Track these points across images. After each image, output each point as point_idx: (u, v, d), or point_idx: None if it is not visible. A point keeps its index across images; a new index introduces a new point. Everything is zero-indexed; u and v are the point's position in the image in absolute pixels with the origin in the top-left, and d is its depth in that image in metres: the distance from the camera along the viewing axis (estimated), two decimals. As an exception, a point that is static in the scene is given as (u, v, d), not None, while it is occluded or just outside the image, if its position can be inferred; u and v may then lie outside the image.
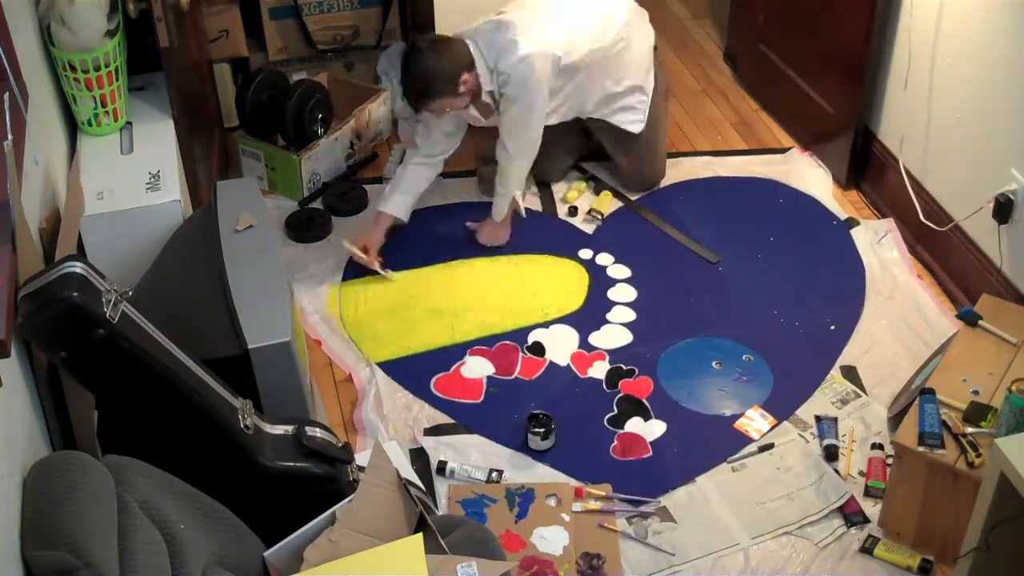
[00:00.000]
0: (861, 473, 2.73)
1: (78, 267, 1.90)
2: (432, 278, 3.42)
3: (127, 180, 2.70)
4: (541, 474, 2.78)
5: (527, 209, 3.71)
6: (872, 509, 2.64)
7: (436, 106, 3.24)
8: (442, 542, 1.96)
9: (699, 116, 4.24)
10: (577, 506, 2.66)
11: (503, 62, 3.16)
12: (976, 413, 2.48)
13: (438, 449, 2.83)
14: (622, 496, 2.68)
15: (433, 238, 3.57)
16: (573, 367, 3.09)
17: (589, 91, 3.46)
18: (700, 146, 4.06)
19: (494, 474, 2.75)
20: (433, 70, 3.14)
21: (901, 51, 3.42)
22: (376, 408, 2.95)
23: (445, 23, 3.90)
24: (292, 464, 2.11)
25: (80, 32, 2.70)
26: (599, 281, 3.40)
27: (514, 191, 3.42)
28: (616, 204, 3.73)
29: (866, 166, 3.73)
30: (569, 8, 3.35)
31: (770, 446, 2.82)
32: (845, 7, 3.56)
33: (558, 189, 3.80)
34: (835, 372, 3.03)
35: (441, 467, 2.76)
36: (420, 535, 1.95)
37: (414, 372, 3.08)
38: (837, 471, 2.73)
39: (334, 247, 3.54)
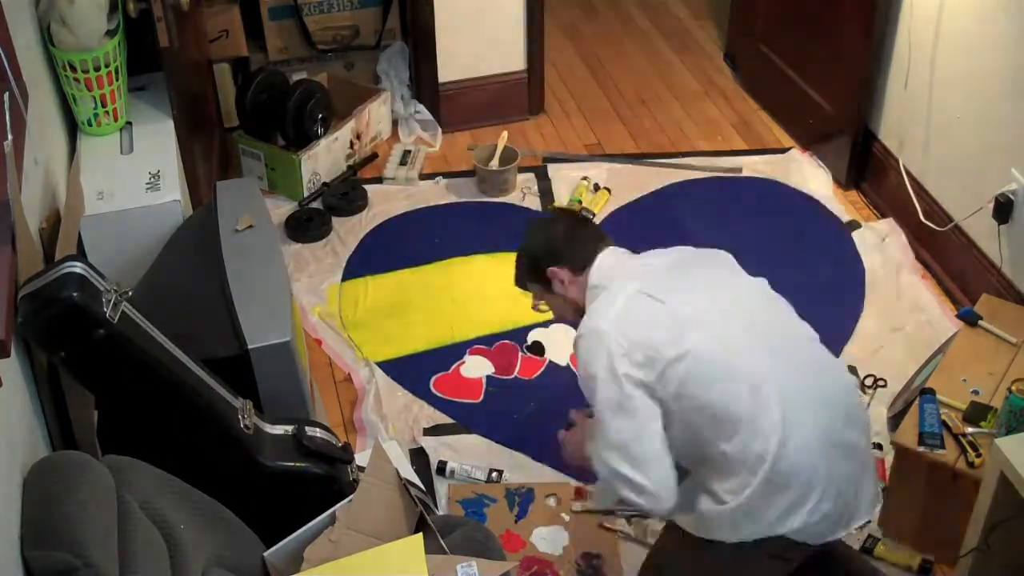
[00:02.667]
0: (861, 473, 2.73)
1: (78, 267, 1.90)
2: (432, 277, 3.42)
3: (127, 180, 2.70)
4: (541, 474, 2.78)
5: (527, 209, 3.72)
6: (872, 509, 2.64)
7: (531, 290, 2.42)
8: (442, 542, 1.96)
9: (699, 116, 4.24)
10: (577, 505, 2.66)
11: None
12: (976, 413, 2.48)
13: (438, 449, 2.83)
14: None
15: (433, 237, 3.57)
16: (573, 367, 3.09)
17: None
18: (700, 146, 4.06)
19: (494, 474, 2.75)
20: (527, 241, 2.39)
21: (901, 51, 3.42)
22: (376, 408, 2.95)
23: (445, 23, 3.91)
24: (292, 464, 2.11)
25: (80, 32, 2.70)
26: (599, 281, 3.40)
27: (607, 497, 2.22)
28: (611, 205, 3.72)
29: (866, 166, 3.73)
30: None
31: (770, 446, 2.81)
32: (845, 7, 3.56)
33: (560, 190, 3.80)
34: (835, 372, 3.03)
35: (441, 467, 2.76)
36: (420, 535, 1.95)
37: (414, 372, 3.08)
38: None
39: (333, 247, 3.54)
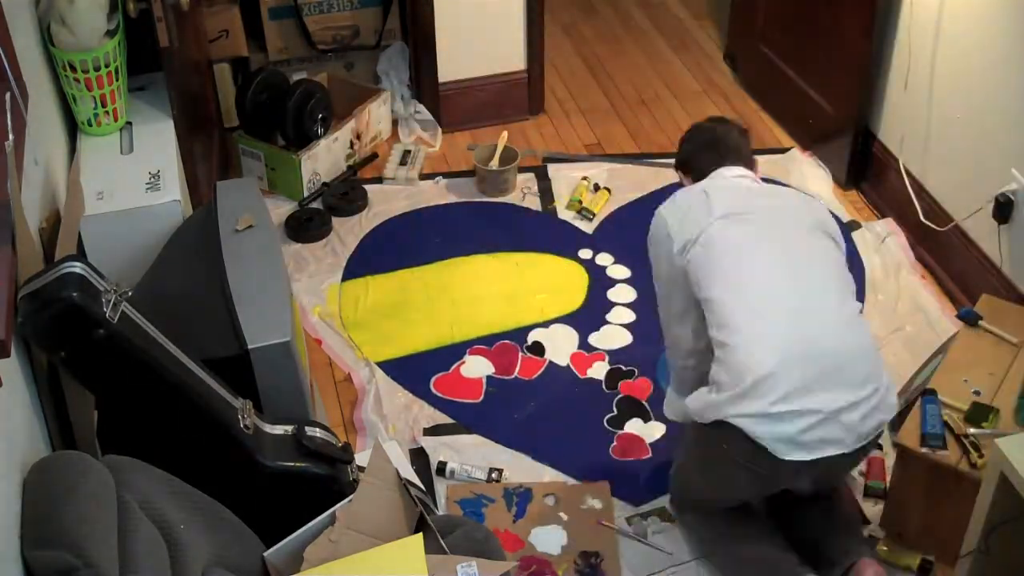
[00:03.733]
0: (861, 473, 2.73)
1: (78, 267, 1.90)
2: (432, 277, 3.42)
3: (127, 180, 2.70)
4: (541, 474, 2.78)
5: (527, 209, 3.72)
6: (872, 509, 2.64)
7: None
8: (442, 542, 1.96)
9: (699, 116, 4.20)
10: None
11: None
12: (978, 414, 2.48)
13: (438, 449, 2.83)
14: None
15: (433, 237, 3.57)
16: (573, 367, 3.09)
17: None
18: (700, 146, 4.05)
19: (494, 473, 2.75)
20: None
21: (901, 51, 3.42)
22: (376, 408, 2.95)
23: (445, 23, 3.91)
24: (292, 464, 2.11)
25: (80, 32, 2.70)
26: (599, 281, 3.40)
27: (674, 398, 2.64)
28: (611, 205, 3.72)
29: (866, 166, 3.73)
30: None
31: (770, 446, 2.81)
32: (845, 7, 3.56)
33: (560, 190, 3.80)
34: (835, 372, 3.03)
35: (441, 467, 2.76)
36: (420, 535, 1.95)
37: (414, 372, 3.08)
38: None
39: (333, 247, 3.54)
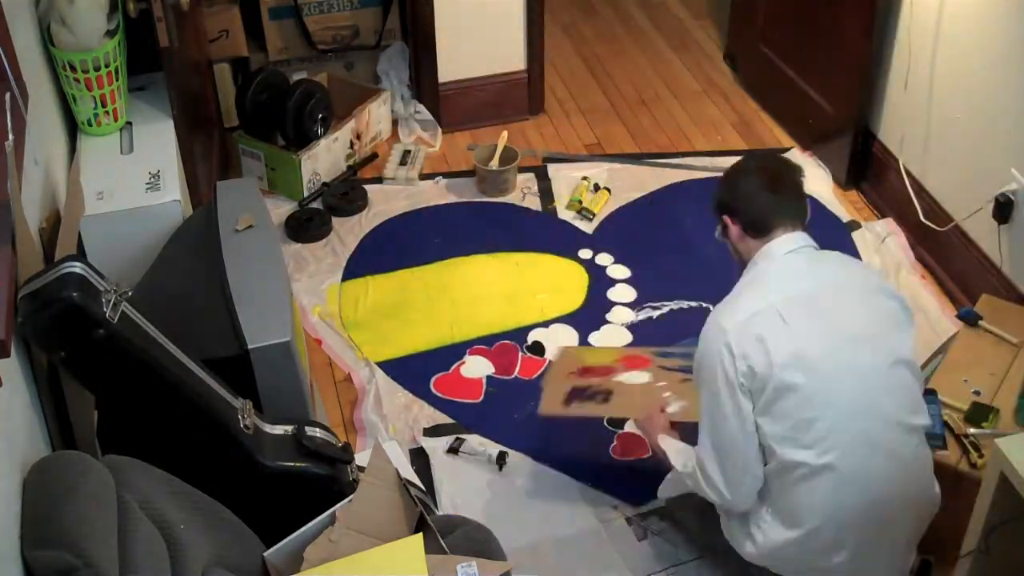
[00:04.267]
0: (861, 473, 2.72)
1: (78, 267, 1.90)
2: (432, 277, 3.42)
3: (127, 180, 2.70)
4: (542, 474, 2.77)
5: (527, 209, 3.72)
6: (872, 509, 2.64)
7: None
8: (442, 542, 1.96)
9: (699, 116, 4.24)
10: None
11: None
12: (978, 413, 2.48)
13: (437, 450, 2.83)
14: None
15: (433, 237, 3.57)
16: (573, 367, 3.09)
17: None
18: (700, 146, 4.06)
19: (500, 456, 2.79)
20: (727, 178, 2.36)
21: (901, 51, 3.42)
22: (376, 408, 2.95)
23: (445, 23, 3.91)
24: (292, 464, 2.11)
25: (80, 32, 2.70)
26: (599, 281, 3.40)
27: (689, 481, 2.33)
28: (611, 205, 3.72)
29: (866, 166, 3.73)
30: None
31: (770, 446, 2.81)
32: (845, 7, 3.56)
33: (560, 190, 3.80)
34: (835, 372, 3.03)
35: (454, 448, 2.82)
36: (420, 535, 1.95)
37: (414, 372, 3.08)
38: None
39: (333, 247, 3.54)
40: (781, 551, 2.19)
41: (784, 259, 2.18)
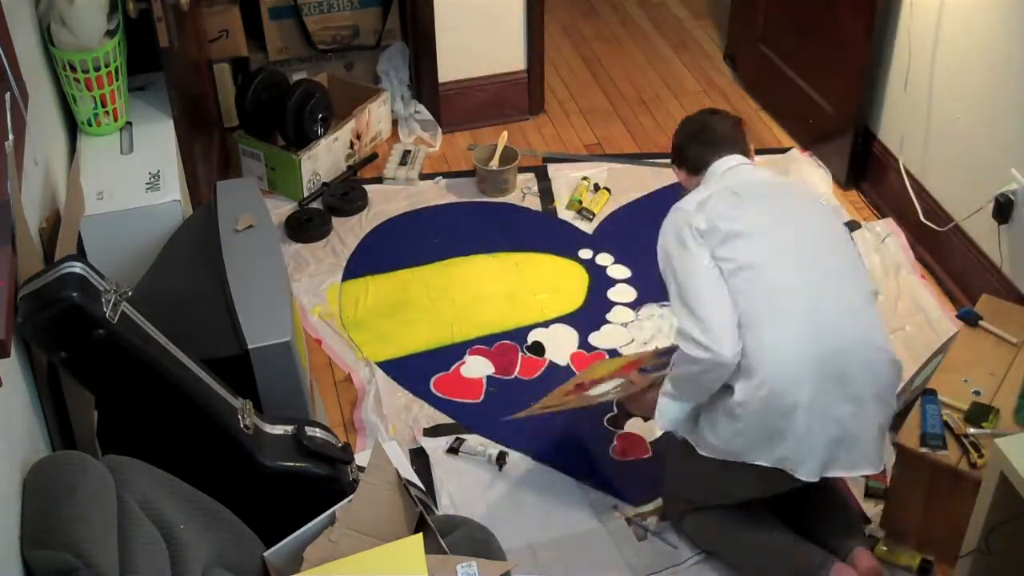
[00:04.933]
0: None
1: (78, 267, 1.90)
2: (432, 277, 3.42)
3: (127, 180, 2.70)
4: (541, 474, 2.77)
5: (527, 209, 3.72)
6: (873, 509, 2.64)
7: None
8: (442, 542, 1.96)
9: (699, 116, 4.23)
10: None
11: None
12: (978, 413, 2.48)
13: (437, 450, 2.83)
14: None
15: (433, 237, 3.57)
16: (573, 367, 3.09)
17: None
18: (700, 146, 4.06)
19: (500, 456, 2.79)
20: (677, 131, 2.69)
21: (901, 51, 3.42)
22: (376, 408, 2.95)
23: (445, 23, 3.91)
24: (292, 464, 2.11)
25: (80, 32, 2.70)
26: (599, 281, 3.40)
27: (670, 395, 2.45)
28: (611, 205, 3.72)
29: (866, 166, 3.73)
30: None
31: (770, 446, 2.81)
32: (845, 7, 3.56)
33: (560, 190, 3.80)
34: (835, 372, 3.03)
35: (454, 448, 2.82)
36: (420, 535, 1.95)
37: (414, 372, 3.08)
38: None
39: (333, 247, 3.54)
40: (742, 422, 2.26)
41: (726, 171, 2.51)
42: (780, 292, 2.29)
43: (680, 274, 2.37)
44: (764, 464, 2.29)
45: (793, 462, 2.27)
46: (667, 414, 2.43)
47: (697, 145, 2.58)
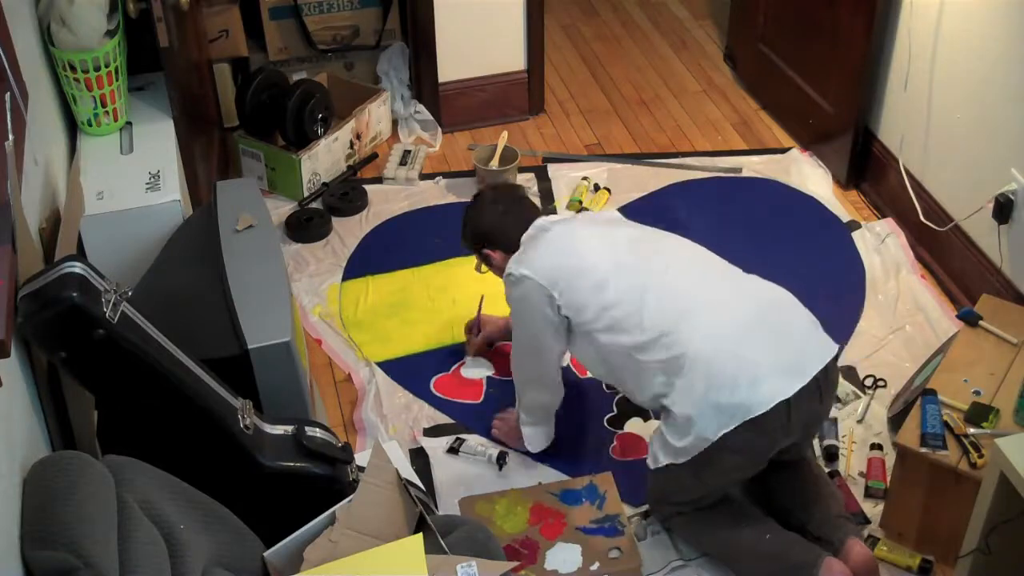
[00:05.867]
0: (861, 474, 2.73)
1: (78, 267, 1.89)
2: (432, 277, 3.42)
3: (127, 180, 2.70)
4: (542, 474, 2.78)
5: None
6: (873, 510, 2.64)
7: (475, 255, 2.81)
8: (442, 542, 1.96)
9: (699, 116, 4.24)
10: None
11: (510, 267, 2.57)
12: (978, 413, 2.48)
13: (437, 450, 2.83)
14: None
15: (433, 237, 3.57)
16: (573, 367, 3.08)
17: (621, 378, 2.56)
18: (700, 146, 4.06)
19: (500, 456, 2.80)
20: (467, 220, 2.76)
21: (901, 51, 3.43)
22: (376, 408, 2.95)
23: (445, 23, 3.91)
24: (292, 464, 2.11)
25: (80, 32, 2.70)
26: (599, 281, 3.40)
27: (529, 423, 2.76)
28: (611, 205, 3.72)
29: (866, 166, 3.73)
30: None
31: (770, 446, 2.81)
32: (845, 7, 3.56)
33: (560, 190, 3.80)
34: (835, 372, 3.03)
35: (454, 449, 2.82)
36: (420, 535, 1.95)
37: (414, 372, 3.08)
38: (837, 471, 2.72)
39: (333, 247, 3.54)
40: (706, 400, 2.30)
41: (549, 229, 2.56)
42: (682, 294, 2.43)
43: (534, 347, 2.60)
44: (732, 424, 2.27)
45: (754, 397, 2.27)
46: (535, 441, 2.76)
47: (509, 225, 2.62)
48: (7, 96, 2.12)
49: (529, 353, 2.63)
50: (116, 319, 1.89)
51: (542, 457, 2.82)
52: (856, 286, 3.34)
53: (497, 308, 3.28)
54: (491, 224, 2.66)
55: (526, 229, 2.57)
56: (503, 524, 2.60)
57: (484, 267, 2.78)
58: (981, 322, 2.75)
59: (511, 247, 2.58)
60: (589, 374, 3.05)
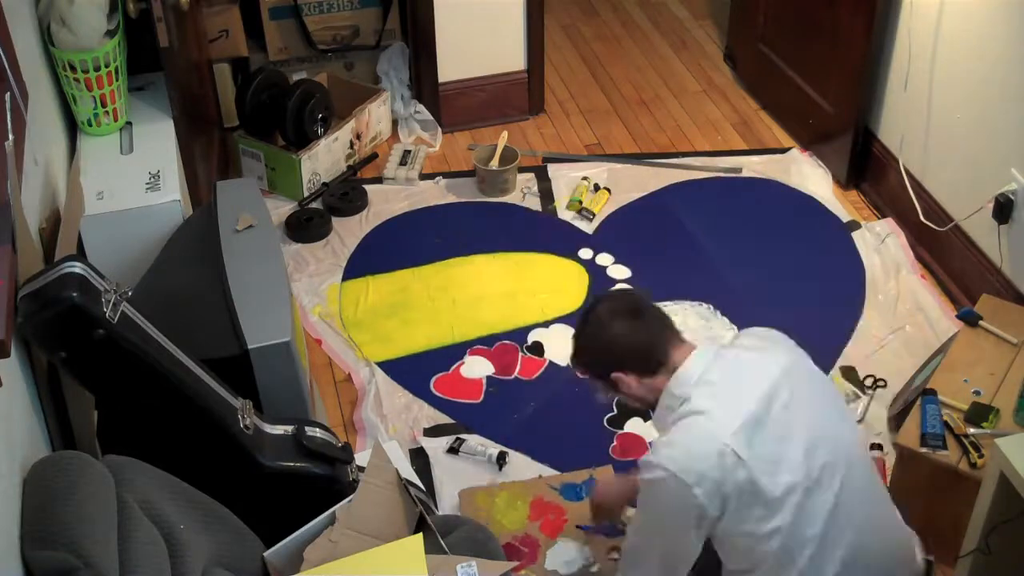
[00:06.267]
0: (861, 473, 2.72)
1: (78, 267, 1.89)
2: (432, 277, 3.42)
3: (127, 180, 2.70)
4: (542, 474, 2.78)
5: (527, 209, 3.72)
6: (872, 509, 2.64)
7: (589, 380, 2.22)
8: (442, 542, 1.96)
9: (699, 116, 4.24)
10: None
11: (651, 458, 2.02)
12: (978, 413, 2.48)
13: (437, 450, 2.83)
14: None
15: (433, 237, 3.57)
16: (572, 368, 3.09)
17: None
18: (700, 146, 4.06)
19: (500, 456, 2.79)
20: (585, 344, 2.18)
21: (901, 51, 3.42)
22: (376, 408, 2.95)
23: (445, 23, 3.91)
24: (292, 464, 2.11)
25: (80, 32, 2.70)
26: (599, 281, 3.40)
27: None
28: (611, 205, 3.72)
29: (866, 166, 3.73)
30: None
31: (770, 446, 2.81)
32: (845, 7, 3.56)
33: (560, 190, 3.80)
34: (835, 372, 3.03)
35: (454, 448, 2.81)
36: (420, 535, 1.95)
37: (414, 372, 3.08)
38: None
39: (333, 247, 3.54)
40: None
41: (702, 380, 2.01)
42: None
43: (669, 542, 2.05)
44: None
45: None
46: None
47: (641, 344, 2.07)
48: (7, 96, 2.12)
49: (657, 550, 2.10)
50: (116, 319, 1.89)
51: (542, 457, 2.81)
52: (856, 286, 3.34)
53: (497, 309, 3.29)
54: (618, 344, 2.09)
55: (661, 344, 2.06)
56: (503, 519, 2.61)
57: (609, 394, 2.19)
58: (981, 322, 2.75)
59: (647, 369, 2.06)
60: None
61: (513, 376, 3.07)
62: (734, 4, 4.46)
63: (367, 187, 3.79)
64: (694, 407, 1.98)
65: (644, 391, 2.08)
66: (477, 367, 3.10)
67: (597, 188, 3.77)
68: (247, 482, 2.07)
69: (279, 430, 2.15)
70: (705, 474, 1.91)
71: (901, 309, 3.26)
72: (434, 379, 3.06)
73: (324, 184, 3.78)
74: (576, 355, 2.19)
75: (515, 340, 3.18)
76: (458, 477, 2.76)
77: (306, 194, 3.72)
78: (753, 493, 1.93)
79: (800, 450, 1.96)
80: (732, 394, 1.99)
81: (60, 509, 1.60)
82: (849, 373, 3.01)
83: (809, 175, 3.84)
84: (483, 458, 2.80)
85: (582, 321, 2.17)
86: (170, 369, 1.99)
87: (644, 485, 2.02)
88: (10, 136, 2.03)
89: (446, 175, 3.89)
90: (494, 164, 3.78)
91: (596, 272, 3.44)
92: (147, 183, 2.69)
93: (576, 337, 2.18)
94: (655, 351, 2.05)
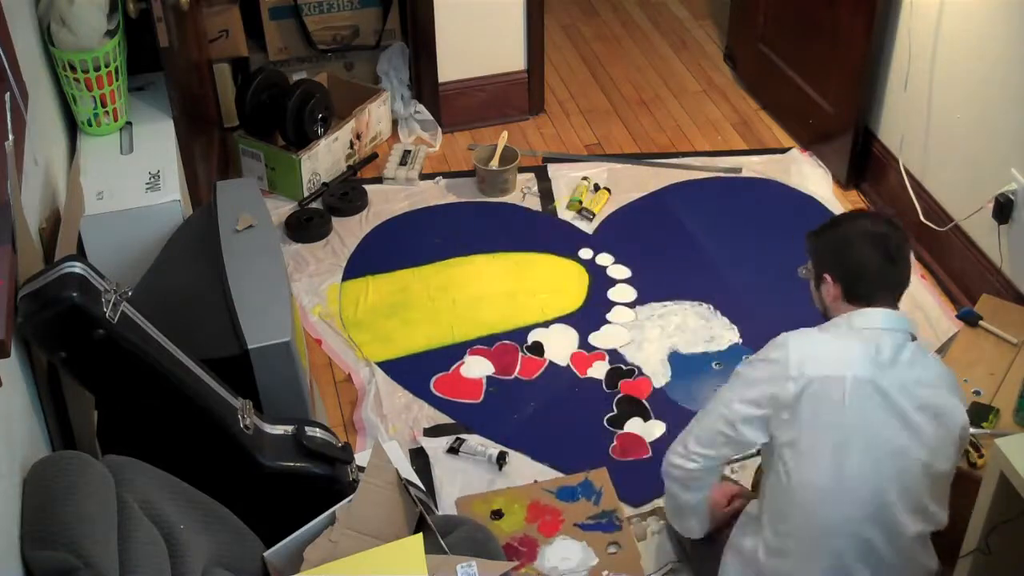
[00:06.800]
0: (861, 473, 2.72)
1: (78, 267, 1.90)
2: (432, 277, 3.42)
3: (127, 180, 2.70)
4: (541, 474, 2.78)
5: (527, 209, 3.72)
6: (872, 509, 2.64)
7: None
8: (442, 542, 1.97)
9: (699, 116, 4.24)
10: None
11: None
12: (978, 413, 2.47)
13: (437, 450, 2.83)
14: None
15: (433, 237, 3.57)
16: (573, 367, 3.09)
17: None
18: (700, 146, 4.06)
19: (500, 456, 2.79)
20: (832, 237, 2.27)
21: (901, 51, 3.42)
22: (376, 408, 2.95)
23: (445, 23, 3.91)
24: (292, 464, 2.11)
25: (80, 32, 2.70)
26: (599, 281, 3.40)
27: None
28: (611, 205, 3.72)
29: (866, 166, 3.73)
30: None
31: (770, 446, 2.81)
32: (845, 7, 3.56)
33: (560, 190, 3.80)
34: (835, 372, 3.02)
35: (454, 448, 2.81)
36: (420, 535, 1.95)
37: (414, 372, 3.08)
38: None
39: (333, 247, 3.54)
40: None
41: (872, 334, 2.13)
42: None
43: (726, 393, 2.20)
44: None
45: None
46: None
47: (882, 274, 2.17)
48: (7, 96, 2.12)
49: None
50: (116, 319, 1.89)
51: (543, 457, 2.82)
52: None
53: (497, 309, 3.29)
54: (857, 266, 2.16)
55: (881, 292, 2.17)
56: (501, 523, 2.61)
57: (808, 277, 2.32)
58: (981, 322, 2.74)
59: (853, 295, 2.16)
60: (589, 373, 3.06)
61: (513, 376, 3.07)
62: (734, 4, 4.46)
63: (367, 187, 3.79)
64: (848, 339, 2.12)
65: (832, 304, 2.21)
66: (477, 367, 3.10)
67: (597, 188, 3.78)
68: (247, 482, 2.07)
69: (279, 430, 2.15)
70: (812, 378, 2.07)
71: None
72: (434, 379, 3.06)
73: (324, 184, 3.78)
74: (818, 239, 2.28)
75: (515, 340, 3.18)
76: (458, 477, 2.76)
77: (306, 194, 3.72)
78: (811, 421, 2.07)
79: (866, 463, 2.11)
80: (875, 359, 2.09)
81: (60, 509, 1.60)
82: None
83: (809, 175, 3.84)
84: (483, 458, 2.80)
85: (852, 221, 2.28)
86: (170, 369, 1.99)
87: (761, 351, 2.21)
88: (10, 136, 2.03)
89: (446, 175, 3.89)
90: (494, 164, 3.78)
91: (596, 272, 3.44)
92: (147, 183, 2.69)
93: (834, 227, 2.27)
94: (873, 294, 2.16)
